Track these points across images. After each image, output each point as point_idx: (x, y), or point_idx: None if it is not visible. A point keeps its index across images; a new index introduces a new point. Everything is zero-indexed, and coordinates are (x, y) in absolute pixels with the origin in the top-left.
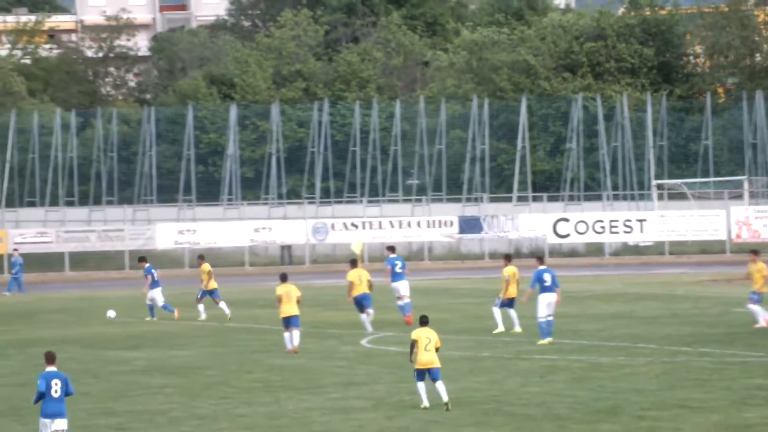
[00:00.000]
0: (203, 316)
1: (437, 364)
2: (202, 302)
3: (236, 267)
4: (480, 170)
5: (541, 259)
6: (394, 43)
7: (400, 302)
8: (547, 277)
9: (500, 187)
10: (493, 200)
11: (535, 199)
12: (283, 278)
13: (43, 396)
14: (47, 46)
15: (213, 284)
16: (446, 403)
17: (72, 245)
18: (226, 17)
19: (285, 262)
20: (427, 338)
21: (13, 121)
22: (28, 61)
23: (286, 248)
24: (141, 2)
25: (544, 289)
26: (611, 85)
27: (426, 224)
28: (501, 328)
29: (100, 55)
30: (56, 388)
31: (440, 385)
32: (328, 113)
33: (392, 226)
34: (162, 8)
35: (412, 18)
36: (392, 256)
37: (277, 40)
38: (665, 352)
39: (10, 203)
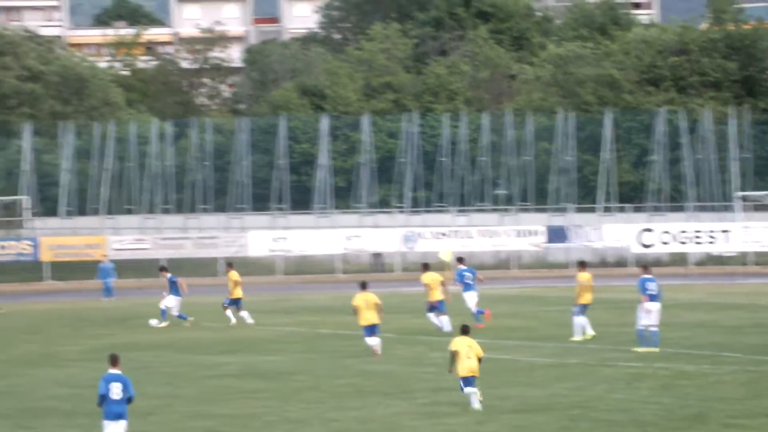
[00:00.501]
0: (233, 321)
1: (477, 374)
2: (229, 309)
3: (328, 274)
4: (566, 181)
5: (646, 268)
6: (482, 57)
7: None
8: (652, 286)
9: (586, 197)
10: (578, 210)
11: (619, 209)
12: (363, 286)
13: (104, 398)
14: (144, 58)
15: (238, 293)
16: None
17: (168, 252)
18: (317, 30)
19: (376, 269)
20: (468, 347)
21: (112, 130)
22: (126, 73)
23: (378, 256)
24: (234, 15)
25: (650, 298)
26: (694, 98)
27: (514, 234)
28: (579, 336)
29: (195, 66)
30: (117, 391)
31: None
32: (418, 124)
33: (480, 236)
34: (255, 21)
35: (499, 32)
36: (462, 267)
37: (367, 52)
38: (750, 361)
39: (109, 210)
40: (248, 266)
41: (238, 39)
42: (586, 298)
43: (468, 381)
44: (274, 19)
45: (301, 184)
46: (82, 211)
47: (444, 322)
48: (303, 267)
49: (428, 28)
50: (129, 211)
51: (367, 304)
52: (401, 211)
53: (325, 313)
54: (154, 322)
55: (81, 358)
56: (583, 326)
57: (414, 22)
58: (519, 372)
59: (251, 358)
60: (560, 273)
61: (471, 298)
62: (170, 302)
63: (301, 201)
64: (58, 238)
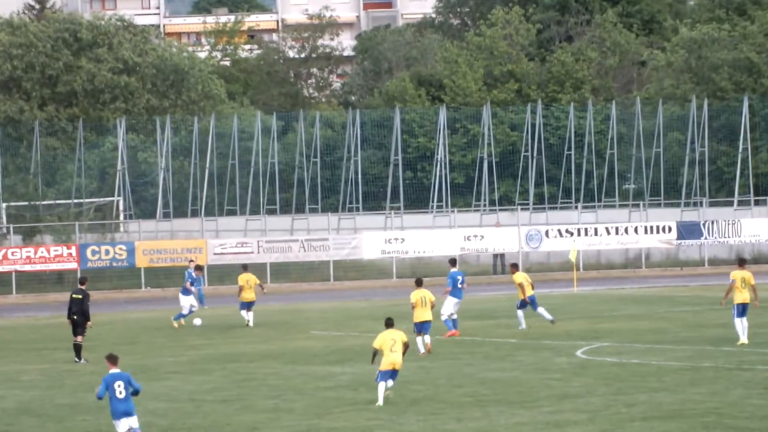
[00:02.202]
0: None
1: (399, 367)
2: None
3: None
4: (699, 173)
5: None
6: (609, 42)
7: (454, 316)
8: None
9: (720, 190)
10: (712, 204)
11: (757, 203)
12: (419, 283)
13: (101, 398)
14: (247, 46)
15: (248, 296)
16: (388, 394)
17: (274, 255)
18: (433, 15)
19: (497, 271)
20: (392, 340)
21: (212, 125)
22: (227, 63)
23: (499, 257)
24: (345, 0)
25: None
26: None
27: (643, 230)
28: (744, 339)
29: (302, 55)
30: (120, 389)
31: (391, 384)
32: (542, 116)
33: (608, 233)
34: (366, 6)
35: (628, 15)
36: (453, 270)
37: (487, 39)
38: None
39: (209, 212)
40: (361, 269)
41: (348, 25)
42: (742, 297)
43: (386, 374)
44: (388, 4)
45: (417, 182)
46: (180, 213)
47: (543, 312)
48: (419, 270)
49: (552, 12)
50: (231, 213)
51: (423, 302)
52: (524, 209)
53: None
54: (197, 321)
55: (180, 370)
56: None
57: (537, 6)
58: (649, 377)
59: (364, 368)
60: (693, 271)
61: (451, 304)
62: (186, 302)
63: (417, 199)
64: (154, 242)
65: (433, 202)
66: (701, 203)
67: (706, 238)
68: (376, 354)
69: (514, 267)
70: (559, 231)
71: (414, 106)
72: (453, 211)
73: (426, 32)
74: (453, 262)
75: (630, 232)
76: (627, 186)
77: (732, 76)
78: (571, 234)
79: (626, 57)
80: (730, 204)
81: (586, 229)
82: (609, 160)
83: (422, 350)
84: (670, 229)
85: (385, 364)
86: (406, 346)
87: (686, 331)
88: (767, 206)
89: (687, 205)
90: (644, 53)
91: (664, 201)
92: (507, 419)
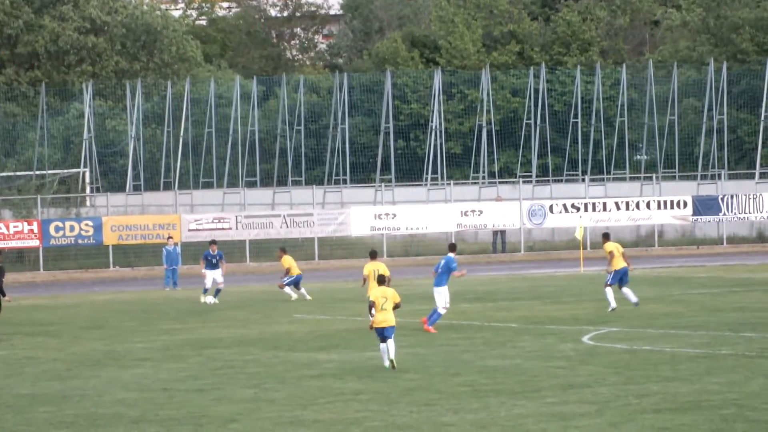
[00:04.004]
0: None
1: (392, 323)
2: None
3: (441, 255)
4: (717, 144)
5: None
6: (620, 0)
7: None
8: None
9: (740, 162)
10: (731, 177)
11: None
12: (373, 256)
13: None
14: (225, 4)
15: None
16: (391, 361)
17: (254, 232)
18: None
19: (497, 249)
20: (383, 297)
21: (187, 90)
22: (204, 23)
23: (499, 234)
24: None
25: None
26: None
27: (656, 205)
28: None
29: (285, 14)
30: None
31: (390, 344)
32: (546, 80)
33: (618, 208)
34: None
35: None
36: (451, 255)
37: None
38: None
39: (184, 184)
40: (348, 247)
41: None
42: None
43: (379, 332)
44: None
45: (410, 152)
46: (152, 186)
47: (629, 293)
48: (412, 247)
49: None
50: (207, 186)
51: (375, 275)
52: (527, 182)
53: (431, 302)
54: (209, 299)
55: (152, 356)
56: None
57: None
58: (662, 365)
59: (352, 354)
60: (710, 250)
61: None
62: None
63: (410, 171)
64: (123, 217)
65: (427, 174)
66: (719, 176)
67: (724, 214)
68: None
69: (606, 237)
70: (564, 206)
71: (407, 70)
72: (449, 184)
73: None
74: (452, 247)
75: (642, 207)
76: (638, 157)
77: (754, 36)
78: (578, 209)
79: (638, 16)
80: (752, 177)
81: (593, 204)
82: (619, 129)
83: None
84: (685, 204)
85: (377, 322)
86: (397, 305)
87: (703, 315)
88: None
89: (704, 178)
90: (658, 12)
91: (679, 174)
92: (507, 411)
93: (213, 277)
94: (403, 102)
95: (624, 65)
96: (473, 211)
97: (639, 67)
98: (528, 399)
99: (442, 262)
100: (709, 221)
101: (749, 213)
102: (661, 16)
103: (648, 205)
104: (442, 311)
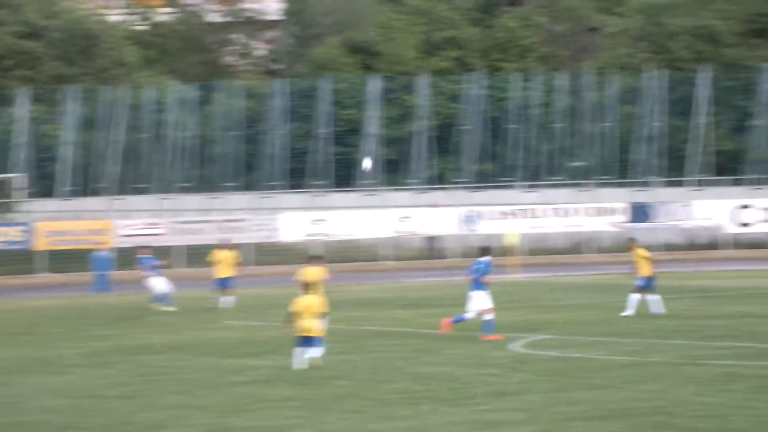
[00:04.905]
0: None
1: (317, 333)
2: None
3: (375, 262)
4: (653, 151)
5: None
6: (560, 7)
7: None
8: None
9: (676, 169)
10: (667, 185)
11: (715, 183)
12: (312, 260)
13: None
14: (164, 10)
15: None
16: (311, 360)
17: (187, 237)
18: None
19: (432, 255)
20: (306, 306)
21: (124, 96)
22: (143, 28)
23: (433, 240)
24: None
25: None
26: None
27: (590, 212)
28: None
29: (224, 20)
30: None
31: (314, 351)
32: (484, 86)
33: (553, 215)
34: None
35: None
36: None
37: (426, 2)
38: None
39: (119, 190)
40: (281, 253)
41: None
42: None
43: (303, 341)
44: None
45: (346, 157)
46: (85, 192)
47: (654, 302)
48: (346, 254)
49: None
50: (141, 191)
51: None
52: (462, 188)
53: (371, 308)
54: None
55: (80, 363)
56: None
57: None
58: (593, 372)
59: (284, 361)
60: None
61: (484, 299)
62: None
63: (345, 177)
64: (56, 222)
65: (362, 179)
66: (654, 183)
67: (658, 222)
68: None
69: (633, 241)
70: (500, 212)
71: (344, 75)
72: (384, 190)
73: None
74: (486, 250)
75: (577, 213)
76: (574, 164)
77: (691, 45)
78: (513, 215)
79: (577, 23)
80: (686, 184)
81: (528, 211)
82: (556, 135)
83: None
84: (620, 211)
85: (300, 330)
86: (322, 315)
87: (636, 323)
88: (725, 187)
89: (639, 185)
90: (597, 19)
91: (615, 180)
92: (439, 418)
93: (159, 283)
94: (340, 108)
95: (562, 72)
96: (408, 217)
97: (577, 74)
98: (460, 406)
99: (480, 266)
100: (643, 228)
101: (682, 220)
102: (601, 23)
103: (583, 212)
104: (472, 315)
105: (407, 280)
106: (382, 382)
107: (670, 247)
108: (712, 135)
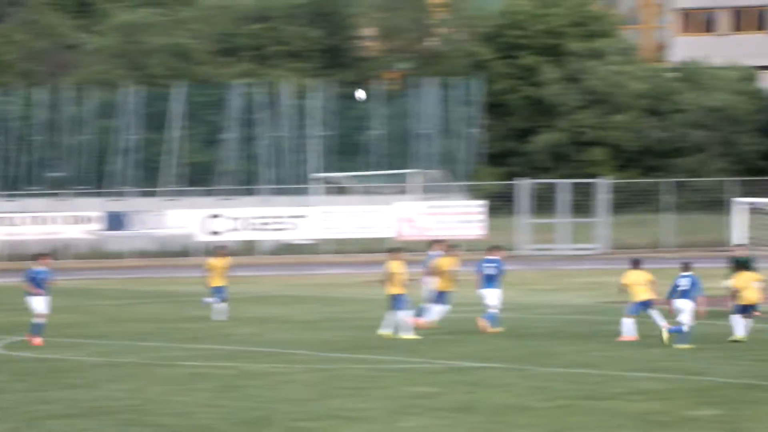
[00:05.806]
0: None
1: None
2: None
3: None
4: (129, 162)
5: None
6: (41, 24)
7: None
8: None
9: (151, 180)
10: (142, 194)
11: (188, 193)
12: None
13: None
14: None
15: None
16: None
17: None
18: None
19: None
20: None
21: None
22: None
23: None
24: None
25: None
26: (275, 69)
27: (67, 220)
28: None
29: None
30: None
31: None
32: None
33: (32, 223)
34: None
35: None
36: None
37: None
38: (323, 358)
39: None
40: None
41: None
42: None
43: None
44: None
45: None
46: None
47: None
48: None
49: None
50: None
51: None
52: None
53: None
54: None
55: None
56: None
57: None
58: (68, 372)
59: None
60: (117, 264)
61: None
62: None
63: None
64: None
65: None
66: (129, 193)
67: (132, 230)
68: None
69: (636, 263)
70: None
71: None
72: None
73: None
74: (496, 248)
75: (55, 222)
76: (53, 174)
77: (166, 62)
78: None
79: (57, 40)
80: (160, 194)
81: (7, 219)
82: (35, 147)
83: None
84: (95, 219)
85: None
86: None
87: (109, 326)
88: (197, 197)
89: (114, 194)
90: (76, 37)
91: (93, 190)
92: None
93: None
94: None
95: (41, 87)
96: None
97: (56, 89)
98: None
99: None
100: (119, 236)
101: (156, 228)
102: (80, 41)
103: (61, 220)
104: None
105: None
106: None
107: (144, 254)
108: (185, 148)
